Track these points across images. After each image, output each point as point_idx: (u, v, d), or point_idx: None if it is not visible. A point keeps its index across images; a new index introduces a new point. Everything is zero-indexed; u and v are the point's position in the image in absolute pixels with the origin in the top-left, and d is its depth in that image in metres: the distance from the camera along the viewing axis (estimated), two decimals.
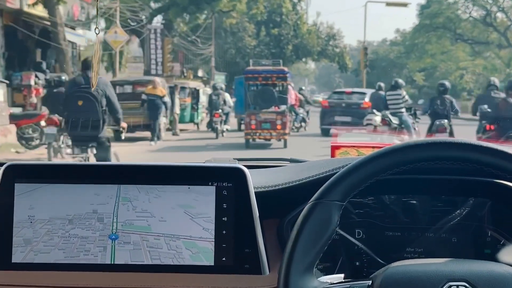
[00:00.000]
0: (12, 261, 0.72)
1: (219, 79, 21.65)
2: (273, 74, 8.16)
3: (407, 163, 0.54)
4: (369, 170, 0.55)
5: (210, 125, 9.47)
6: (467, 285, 0.51)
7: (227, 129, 9.52)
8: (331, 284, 0.55)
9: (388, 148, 0.56)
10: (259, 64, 9.15)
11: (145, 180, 0.74)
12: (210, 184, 0.73)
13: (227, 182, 0.73)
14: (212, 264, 0.72)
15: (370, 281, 0.53)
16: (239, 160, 0.84)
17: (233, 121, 10.87)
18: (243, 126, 8.79)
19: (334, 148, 0.98)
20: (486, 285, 0.50)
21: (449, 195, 0.77)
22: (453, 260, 0.55)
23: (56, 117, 5.13)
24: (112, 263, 0.72)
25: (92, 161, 3.57)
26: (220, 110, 8.94)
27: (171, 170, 0.75)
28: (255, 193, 0.73)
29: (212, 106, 9.29)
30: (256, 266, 0.72)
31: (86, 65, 3.76)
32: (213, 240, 0.72)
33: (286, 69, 8.82)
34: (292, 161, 0.98)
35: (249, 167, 0.75)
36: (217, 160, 0.83)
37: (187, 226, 0.73)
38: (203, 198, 0.73)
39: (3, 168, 0.74)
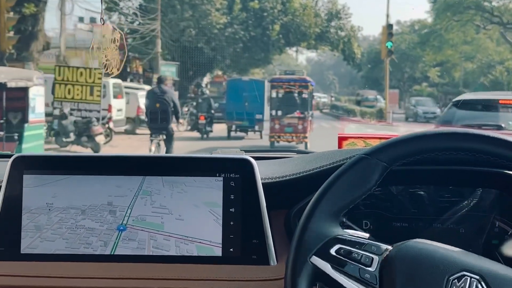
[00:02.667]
0: (21, 252, 0.92)
1: (168, 71, 19.06)
2: (296, 82, 11.23)
3: (458, 149, 0.69)
4: (424, 145, 0.70)
5: (196, 127, 12.65)
6: (480, 280, 0.64)
7: (210, 131, 12.38)
8: (351, 235, 0.71)
9: (445, 130, 0.72)
10: (285, 73, 12.57)
11: (152, 171, 0.93)
12: (217, 175, 0.93)
13: (235, 173, 0.93)
14: (220, 255, 0.92)
15: (390, 247, 0.70)
16: (246, 151, 1.06)
17: (221, 127, 13.66)
18: (233, 133, 12.66)
19: (341, 139, 1.21)
20: (500, 285, 0.63)
21: (457, 185, 0.98)
22: (475, 255, 0.69)
23: None
24: (112, 253, 0.91)
25: (162, 144, 6.78)
26: (205, 113, 12.05)
27: (178, 161, 0.95)
28: (263, 184, 0.94)
29: (198, 109, 12.61)
30: (263, 256, 0.92)
31: (160, 80, 7.28)
32: (221, 230, 0.92)
33: (308, 78, 12.01)
34: (299, 152, 1.21)
35: (256, 158, 0.96)
36: (224, 152, 1.04)
37: (207, 228, 0.92)
38: (211, 190, 0.93)
39: (11, 159, 0.93)
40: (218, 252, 0.93)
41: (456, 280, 0.65)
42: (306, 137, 10.52)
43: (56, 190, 0.93)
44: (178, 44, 20.45)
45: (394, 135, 0.93)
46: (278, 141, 10.69)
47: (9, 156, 0.96)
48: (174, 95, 7.37)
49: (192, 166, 0.95)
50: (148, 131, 11.84)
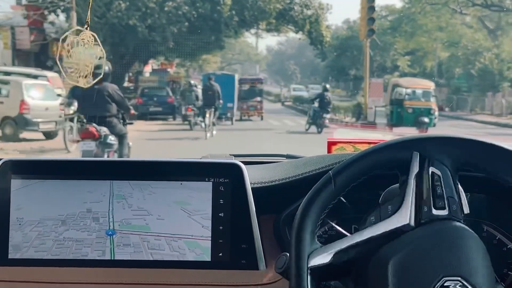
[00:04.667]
0: (9, 257, 1.03)
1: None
2: (255, 80, 21.85)
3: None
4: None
5: (185, 119, 16.00)
6: (462, 280, 0.78)
7: (201, 121, 15.01)
8: None
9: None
10: (249, 75, 30.37)
11: (140, 176, 1.07)
12: (207, 179, 1.07)
13: (224, 177, 1.07)
14: (209, 259, 1.06)
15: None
16: (236, 155, 1.21)
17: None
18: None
19: (330, 144, 1.38)
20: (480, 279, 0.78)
21: None
22: (449, 252, 0.82)
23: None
24: (112, 259, 1.04)
25: (211, 115, 13.62)
26: (192, 105, 15.32)
27: (168, 165, 1.08)
28: (252, 188, 1.08)
29: (186, 101, 16.04)
30: (252, 261, 1.07)
31: (209, 78, 15.43)
32: (210, 235, 1.06)
33: (262, 77, 25.02)
34: (288, 156, 1.38)
35: (245, 163, 1.10)
36: (214, 156, 1.18)
37: (187, 224, 1.06)
38: (200, 194, 1.07)
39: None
40: (207, 256, 1.07)
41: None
42: (262, 112, 20.25)
43: (20, 201, 1.04)
44: (104, 21, 18.89)
45: (383, 139, 1.11)
46: (245, 115, 19.94)
47: None
48: (218, 87, 14.35)
49: (182, 170, 1.08)
50: (42, 136, 11.86)
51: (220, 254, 1.07)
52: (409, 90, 16.61)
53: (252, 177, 1.12)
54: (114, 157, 7.02)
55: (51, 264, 1.04)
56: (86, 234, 1.05)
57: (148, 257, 1.06)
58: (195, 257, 1.07)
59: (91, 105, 6.69)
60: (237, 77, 21.39)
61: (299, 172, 1.13)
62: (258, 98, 20.51)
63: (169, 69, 24.61)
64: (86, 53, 1.15)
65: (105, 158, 6.59)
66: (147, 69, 24.31)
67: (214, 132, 13.88)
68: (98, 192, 1.06)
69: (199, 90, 16.01)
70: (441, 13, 27.22)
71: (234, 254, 1.08)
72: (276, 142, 12.60)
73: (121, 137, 7.07)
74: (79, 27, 1.14)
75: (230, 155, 1.21)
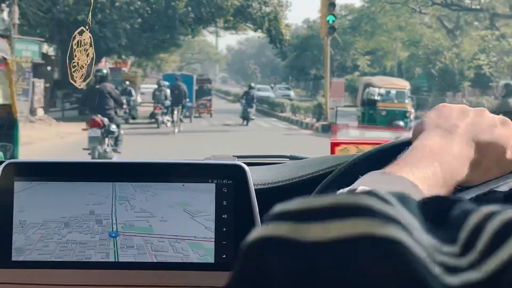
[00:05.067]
0: (12, 259, 1.04)
1: (26, 50, 17.24)
2: (204, 80, 24.46)
3: None
4: None
5: (153, 117, 17.11)
6: None
7: (168, 120, 16.73)
8: None
9: None
10: (201, 76, 32.30)
11: (143, 178, 1.08)
12: (210, 181, 1.09)
13: (227, 179, 1.09)
14: (213, 261, 1.08)
15: None
16: (239, 157, 1.22)
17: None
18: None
19: (333, 145, 1.41)
20: None
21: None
22: None
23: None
24: (116, 261, 1.05)
25: (178, 112, 16.20)
26: (161, 104, 16.56)
27: (170, 167, 1.10)
28: (255, 190, 1.10)
29: (155, 100, 17.09)
30: None
31: (177, 79, 17.52)
32: (213, 237, 1.08)
33: (211, 78, 29.80)
34: (291, 158, 1.41)
35: (248, 164, 1.12)
36: (217, 157, 1.20)
37: (189, 226, 1.08)
38: (203, 195, 1.09)
39: (2, 165, 1.06)
40: (211, 258, 1.08)
41: None
42: (211, 110, 22.33)
43: (22, 204, 1.06)
44: (50, 16, 18.48)
45: (385, 140, 1.15)
46: (198, 113, 21.62)
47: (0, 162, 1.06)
48: (185, 87, 16.46)
49: (184, 172, 1.10)
50: None
51: (224, 256, 1.09)
52: (382, 91, 15.71)
53: (255, 178, 1.14)
54: (112, 141, 9.12)
55: (54, 266, 1.05)
56: (89, 236, 1.06)
57: (152, 259, 1.07)
58: (198, 259, 1.08)
59: (95, 101, 9.04)
60: (195, 77, 23.45)
61: (303, 173, 1.16)
62: (208, 97, 22.86)
63: (124, 69, 24.31)
64: (83, 54, 1.15)
65: (108, 146, 8.97)
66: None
67: (182, 128, 16.06)
68: (101, 194, 1.07)
69: (167, 90, 17.18)
70: (401, 13, 27.92)
71: (237, 256, 1.09)
72: (234, 139, 14.18)
73: (117, 126, 9.27)
74: (83, 28, 1.14)
75: (233, 156, 1.23)
